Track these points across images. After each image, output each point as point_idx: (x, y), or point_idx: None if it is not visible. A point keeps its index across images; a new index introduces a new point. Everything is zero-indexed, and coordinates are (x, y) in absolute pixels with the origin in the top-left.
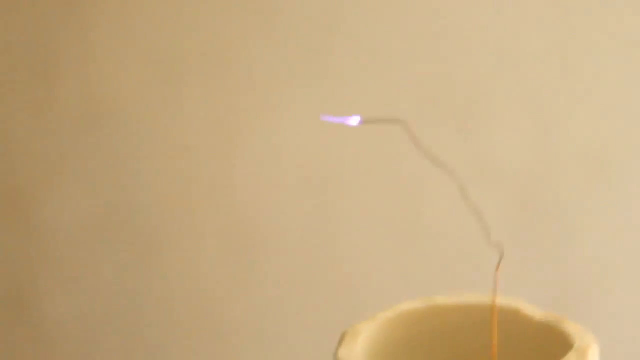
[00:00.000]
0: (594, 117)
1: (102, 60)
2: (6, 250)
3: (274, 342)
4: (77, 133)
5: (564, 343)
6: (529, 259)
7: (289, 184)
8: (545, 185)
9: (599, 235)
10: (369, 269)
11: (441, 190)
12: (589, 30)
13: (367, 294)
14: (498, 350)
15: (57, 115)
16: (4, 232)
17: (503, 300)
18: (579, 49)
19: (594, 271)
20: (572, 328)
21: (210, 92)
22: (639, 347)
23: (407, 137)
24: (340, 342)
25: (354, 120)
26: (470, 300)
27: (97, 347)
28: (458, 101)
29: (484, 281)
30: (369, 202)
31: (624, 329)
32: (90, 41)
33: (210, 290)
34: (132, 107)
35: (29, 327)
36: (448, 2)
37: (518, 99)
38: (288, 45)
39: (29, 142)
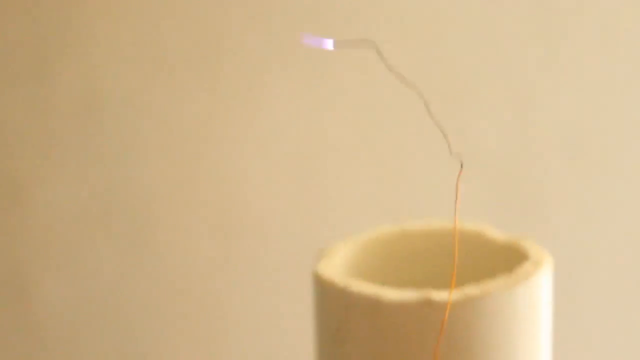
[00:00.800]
0: (575, 103)
1: (98, 52)
2: (4, 239)
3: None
4: (72, 124)
5: (523, 259)
6: None
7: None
8: (524, 172)
9: (579, 222)
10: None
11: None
12: (573, 16)
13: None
14: (464, 270)
15: (52, 106)
16: (2, 222)
17: (468, 225)
18: (561, 34)
19: (573, 258)
20: (530, 245)
21: (203, 84)
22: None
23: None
24: (319, 259)
25: (328, 44)
26: (437, 225)
27: (91, 337)
28: (437, 85)
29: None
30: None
31: (604, 325)
32: (86, 34)
33: (204, 279)
34: (128, 99)
35: (23, 319)
36: None
37: (499, 83)
38: (278, 29)
39: (23, 133)
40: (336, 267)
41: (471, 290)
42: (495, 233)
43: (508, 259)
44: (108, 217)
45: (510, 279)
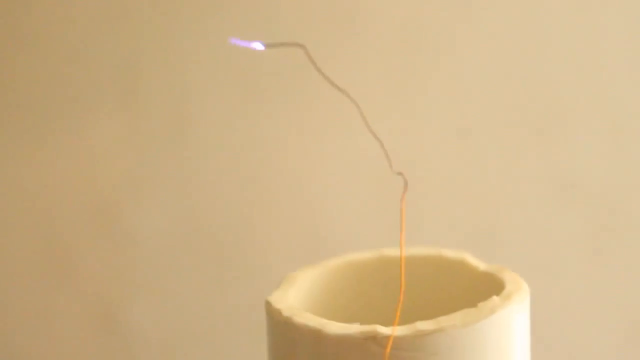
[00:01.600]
0: None
1: (186, 69)
2: (93, 262)
3: None
4: (161, 142)
5: (500, 290)
6: (612, 278)
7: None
8: (628, 200)
9: None
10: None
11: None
12: None
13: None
14: (445, 297)
15: (141, 124)
16: (90, 245)
17: (449, 252)
18: None
19: None
20: (509, 276)
21: (288, 99)
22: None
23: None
24: (278, 286)
25: (258, 45)
26: (417, 251)
27: (183, 358)
28: (536, 109)
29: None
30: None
31: None
32: (174, 49)
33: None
34: (216, 116)
35: (113, 341)
36: (530, 2)
37: (598, 108)
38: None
39: (113, 152)
40: (292, 295)
41: (423, 325)
42: (476, 262)
43: (487, 288)
44: (196, 241)
45: (471, 313)
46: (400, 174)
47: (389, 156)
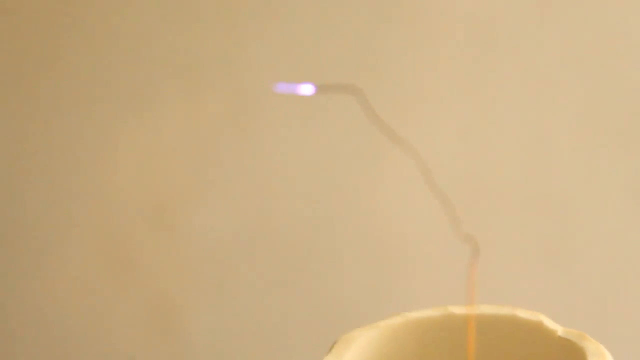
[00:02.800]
0: None
1: (251, 66)
2: (153, 264)
3: None
4: (224, 141)
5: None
6: None
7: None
8: None
9: None
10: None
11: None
12: None
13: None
14: None
15: (203, 123)
16: (151, 247)
17: (524, 313)
18: None
19: None
20: (591, 345)
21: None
22: None
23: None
24: (330, 350)
25: (307, 89)
26: (489, 310)
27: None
28: (623, 115)
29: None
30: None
31: None
32: (240, 44)
33: (355, 306)
34: (281, 113)
35: (174, 342)
36: (616, 4)
37: None
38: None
39: (174, 151)
40: (350, 358)
41: None
42: (553, 325)
43: (566, 356)
44: (261, 243)
45: None
46: (469, 238)
47: (456, 217)
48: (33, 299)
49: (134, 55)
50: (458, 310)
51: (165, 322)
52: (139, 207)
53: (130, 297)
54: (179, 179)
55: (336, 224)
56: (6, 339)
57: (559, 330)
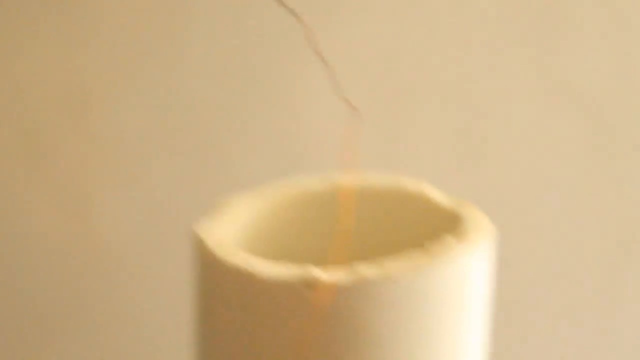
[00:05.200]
0: None
1: None
2: (67, 153)
3: None
4: (145, 38)
5: (461, 227)
6: (603, 187)
7: None
8: (625, 107)
9: None
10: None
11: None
12: None
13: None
14: (401, 234)
15: (128, 20)
16: (65, 136)
17: (409, 183)
18: None
19: None
20: (472, 213)
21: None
22: None
23: None
24: (209, 214)
25: None
26: (372, 180)
27: (150, 254)
28: (533, 11)
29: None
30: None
31: None
32: None
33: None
34: (201, 10)
35: (87, 229)
36: None
37: (600, 11)
38: None
39: (93, 45)
40: (225, 227)
41: (367, 271)
42: (437, 194)
43: (449, 225)
44: (174, 137)
45: (421, 257)
46: (350, 104)
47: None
48: None
49: None
50: (341, 179)
51: (77, 213)
52: (53, 98)
53: (41, 188)
54: (95, 71)
55: (248, 117)
56: None
57: (443, 200)
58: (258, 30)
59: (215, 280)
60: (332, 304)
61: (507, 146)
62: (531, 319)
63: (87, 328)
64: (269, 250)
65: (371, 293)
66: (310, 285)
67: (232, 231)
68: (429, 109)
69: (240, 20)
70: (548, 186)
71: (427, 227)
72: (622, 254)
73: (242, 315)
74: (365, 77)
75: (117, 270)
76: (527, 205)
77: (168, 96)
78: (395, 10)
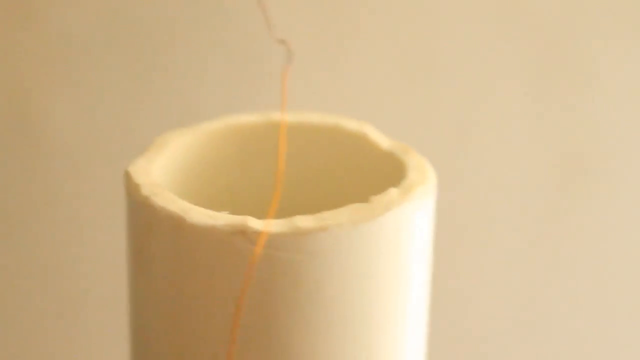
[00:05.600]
0: None
1: None
2: (6, 53)
3: None
4: None
5: (403, 175)
6: (548, 105)
7: None
8: (570, 30)
9: (623, 86)
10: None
11: None
12: None
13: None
14: (340, 178)
15: None
16: (10, 39)
17: (348, 123)
18: None
19: (612, 127)
20: (414, 159)
21: None
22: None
23: None
24: (142, 153)
25: None
26: (312, 119)
27: (100, 158)
28: None
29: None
30: None
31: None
32: None
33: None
34: None
35: (29, 137)
36: None
37: None
38: None
39: None
40: (159, 166)
41: (303, 221)
42: (379, 137)
43: (388, 171)
44: (120, 38)
45: (361, 209)
46: (282, 42)
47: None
48: None
49: None
50: (278, 116)
51: (17, 119)
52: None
53: None
54: None
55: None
56: None
57: (384, 142)
58: None
59: (146, 224)
60: (266, 255)
61: (449, 79)
62: (470, 265)
63: (23, 225)
64: (205, 189)
65: (308, 245)
66: (243, 234)
67: (166, 170)
68: (370, 44)
69: None
70: (490, 116)
71: (367, 170)
72: (566, 190)
73: (172, 262)
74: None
75: (56, 171)
76: (467, 140)
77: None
78: None
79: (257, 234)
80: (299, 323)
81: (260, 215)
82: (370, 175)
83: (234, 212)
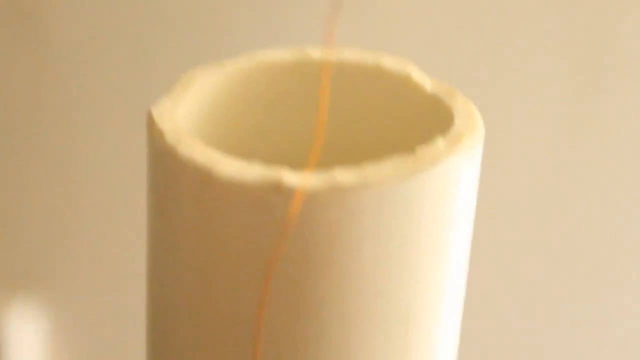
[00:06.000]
0: None
1: None
2: None
3: None
4: None
5: (449, 121)
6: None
7: None
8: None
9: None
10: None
11: None
12: None
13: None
14: (381, 122)
15: None
16: None
17: (391, 62)
18: None
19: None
20: (460, 103)
21: None
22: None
23: None
24: (167, 93)
25: None
26: (351, 56)
27: (103, 60)
28: None
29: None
30: None
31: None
32: None
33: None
34: None
35: (30, 33)
36: None
37: None
38: None
39: None
40: (185, 108)
41: (344, 176)
42: (423, 78)
43: (433, 114)
44: None
45: (405, 163)
46: None
47: None
48: None
49: None
50: (316, 53)
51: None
52: None
53: None
54: None
55: None
56: None
57: (428, 84)
58: None
59: (169, 174)
60: (302, 213)
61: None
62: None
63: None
64: (234, 133)
65: (348, 202)
66: (277, 190)
67: (191, 111)
68: None
69: None
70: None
71: (409, 114)
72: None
73: (198, 218)
74: None
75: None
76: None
77: None
78: None
79: (293, 190)
80: (335, 287)
81: (294, 163)
82: (413, 120)
83: (266, 159)
